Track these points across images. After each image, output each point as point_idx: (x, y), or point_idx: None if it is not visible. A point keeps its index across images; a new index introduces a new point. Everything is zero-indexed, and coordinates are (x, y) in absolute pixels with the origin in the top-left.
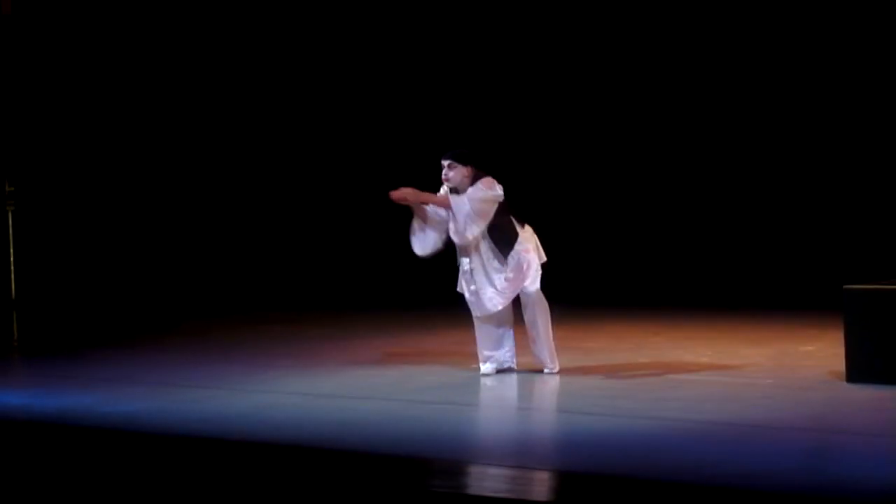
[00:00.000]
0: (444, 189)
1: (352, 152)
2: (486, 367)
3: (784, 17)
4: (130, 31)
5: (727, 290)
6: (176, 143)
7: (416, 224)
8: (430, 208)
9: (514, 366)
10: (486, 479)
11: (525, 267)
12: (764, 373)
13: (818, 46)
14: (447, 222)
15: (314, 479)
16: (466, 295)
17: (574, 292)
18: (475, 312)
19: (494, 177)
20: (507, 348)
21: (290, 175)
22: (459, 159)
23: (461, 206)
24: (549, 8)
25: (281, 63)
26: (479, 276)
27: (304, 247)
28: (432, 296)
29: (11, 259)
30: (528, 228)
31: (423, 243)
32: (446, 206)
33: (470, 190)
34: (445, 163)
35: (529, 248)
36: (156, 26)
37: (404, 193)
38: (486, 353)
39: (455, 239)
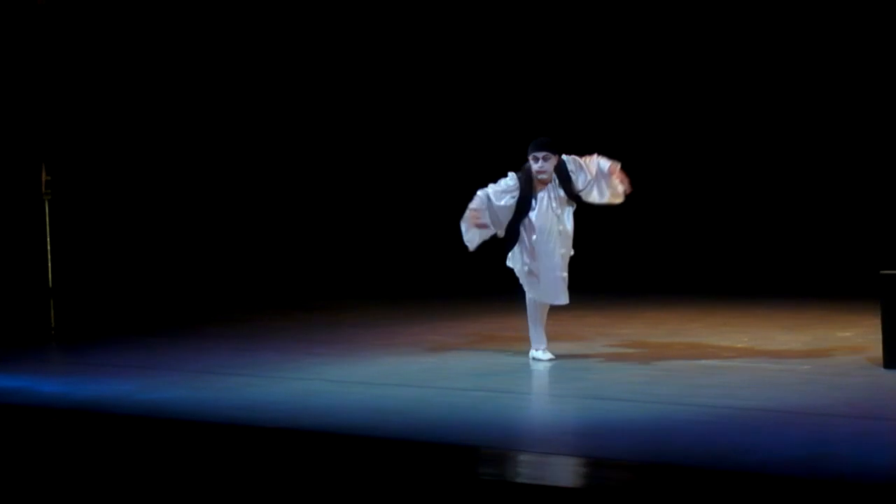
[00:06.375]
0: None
1: (394, 144)
2: (542, 353)
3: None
4: (168, 19)
5: (763, 277)
6: (213, 135)
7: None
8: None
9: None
10: (522, 466)
11: None
12: (801, 359)
13: (851, 29)
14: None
15: (350, 467)
16: (558, 279)
17: (610, 279)
18: (557, 300)
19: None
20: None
21: (331, 167)
22: (552, 149)
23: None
24: (550, 5)
25: (316, 63)
26: (564, 261)
27: (340, 236)
28: (467, 284)
29: (48, 248)
30: None
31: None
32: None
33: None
34: (540, 155)
35: None
36: (193, 18)
37: None
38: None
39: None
